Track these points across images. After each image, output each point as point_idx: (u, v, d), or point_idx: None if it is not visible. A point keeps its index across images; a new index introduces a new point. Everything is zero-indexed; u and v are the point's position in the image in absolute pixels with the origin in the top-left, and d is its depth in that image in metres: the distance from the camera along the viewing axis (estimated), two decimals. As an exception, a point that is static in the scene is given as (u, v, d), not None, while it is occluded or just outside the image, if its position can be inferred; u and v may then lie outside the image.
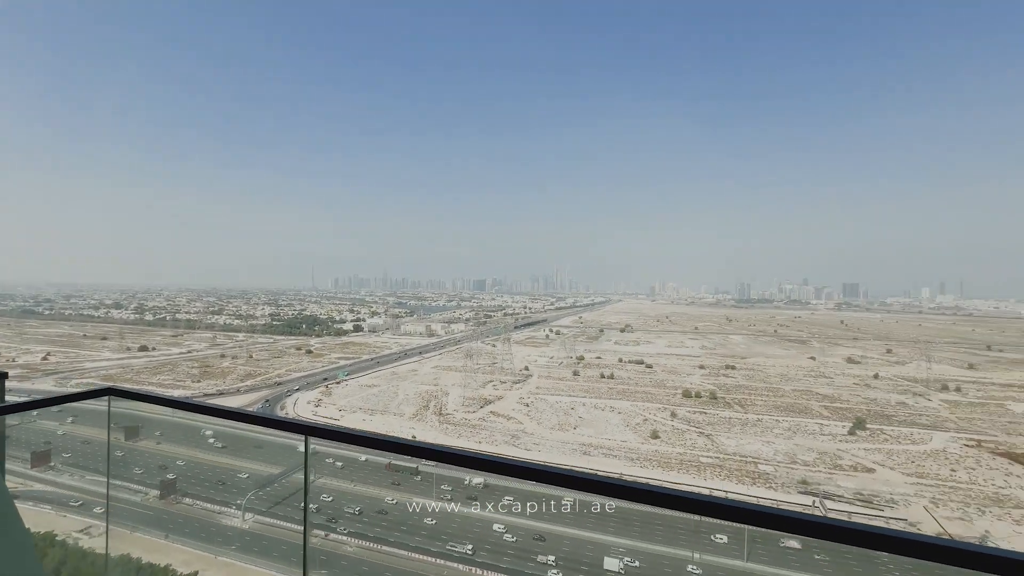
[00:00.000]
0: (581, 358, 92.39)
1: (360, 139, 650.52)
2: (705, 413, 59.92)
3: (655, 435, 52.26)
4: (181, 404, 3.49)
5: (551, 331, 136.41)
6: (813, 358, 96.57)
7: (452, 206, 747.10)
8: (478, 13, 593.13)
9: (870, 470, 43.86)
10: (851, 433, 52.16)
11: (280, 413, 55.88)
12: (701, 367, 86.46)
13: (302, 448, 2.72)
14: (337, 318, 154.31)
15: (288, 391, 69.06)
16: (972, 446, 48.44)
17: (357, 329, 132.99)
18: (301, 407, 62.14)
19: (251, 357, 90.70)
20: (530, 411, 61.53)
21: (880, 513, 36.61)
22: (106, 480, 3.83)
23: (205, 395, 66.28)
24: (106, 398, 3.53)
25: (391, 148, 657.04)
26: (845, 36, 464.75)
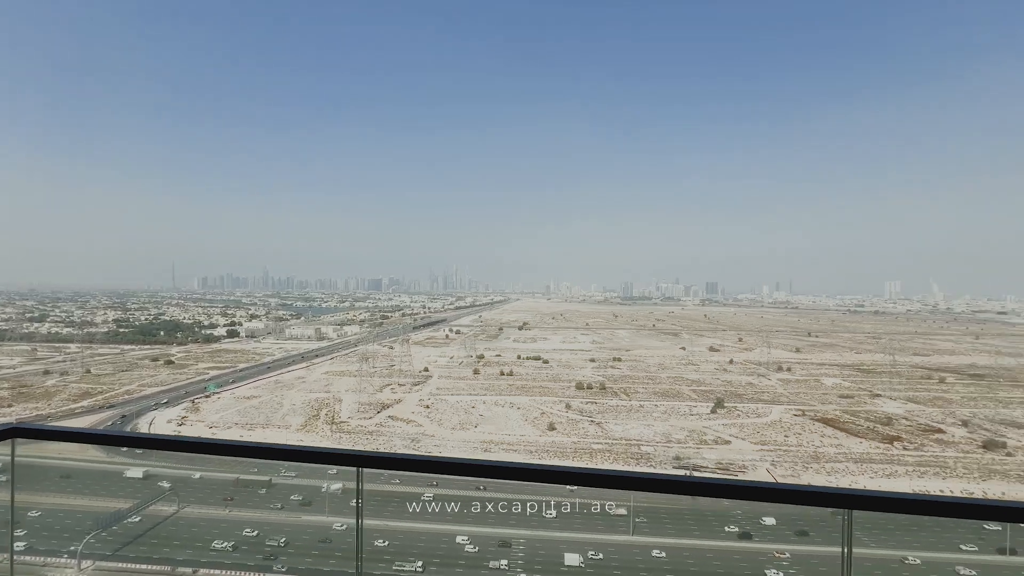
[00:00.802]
0: (481, 357, 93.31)
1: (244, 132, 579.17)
2: (596, 403, 64.45)
3: (552, 427, 54.82)
4: (135, 440, 2.73)
5: (451, 331, 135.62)
6: (684, 348, 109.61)
7: (347, 204, 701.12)
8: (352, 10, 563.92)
9: (727, 442, 51.07)
10: (713, 412, 60.18)
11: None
12: (592, 360, 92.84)
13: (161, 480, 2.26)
14: (206, 323, 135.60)
15: (140, 410, 58.84)
16: (799, 415, 59.10)
17: (232, 335, 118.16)
18: (159, 428, 53.40)
19: (88, 372, 75.51)
20: (430, 412, 60.45)
21: (735, 478, 42.96)
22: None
23: (19, 420, 53.36)
24: (7, 441, 2.59)
25: (280, 143, 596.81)
26: (716, 46, 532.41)
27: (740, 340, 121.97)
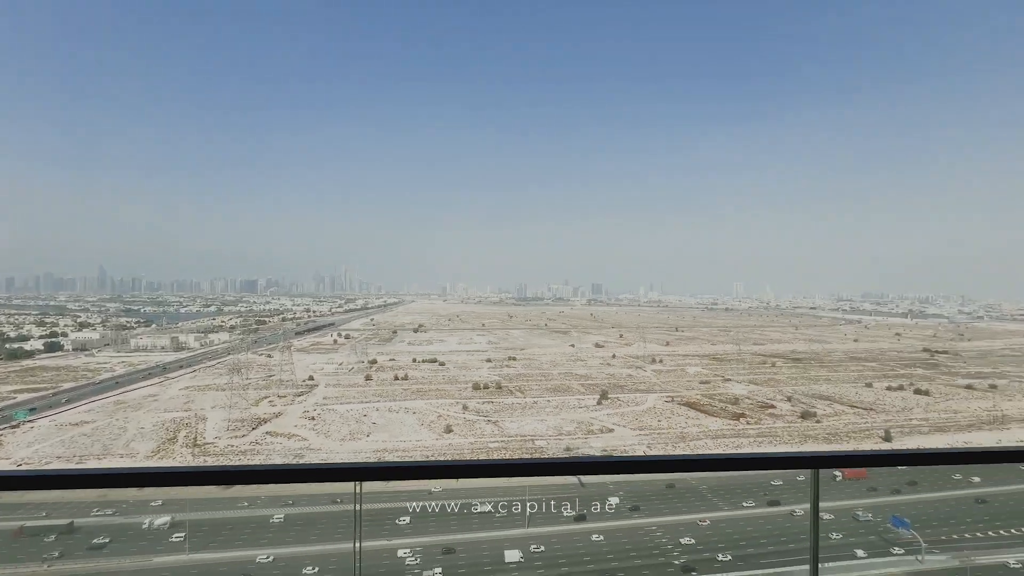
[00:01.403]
0: (374, 361, 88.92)
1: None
2: (492, 402, 65.45)
3: (449, 429, 54.31)
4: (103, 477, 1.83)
5: (340, 335, 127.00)
6: (573, 345, 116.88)
7: (219, 195, 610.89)
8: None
9: (611, 430, 55.60)
10: (598, 403, 65.05)
11: None
12: (488, 361, 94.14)
13: None
14: (12, 334, 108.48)
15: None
16: (669, 401, 66.72)
17: (53, 348, 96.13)
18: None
19: None
20: (317, 424, 55.81)
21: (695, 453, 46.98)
22: None
23: None
24: None
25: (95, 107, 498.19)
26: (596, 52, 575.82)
27: (621, 336, 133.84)
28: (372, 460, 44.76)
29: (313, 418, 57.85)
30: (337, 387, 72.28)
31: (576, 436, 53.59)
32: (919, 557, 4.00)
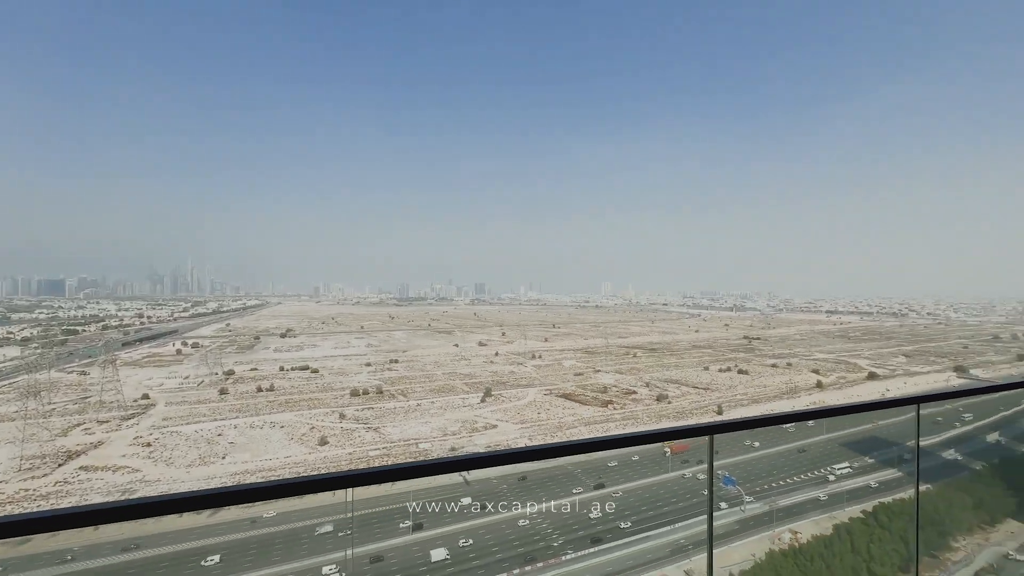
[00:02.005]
0: (231, 373, 78.03)
1: None
2: (372, 408, 62.22)
3: (324, 441, 50.15)
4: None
5: (185, 344, 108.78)
6: (457, 345, 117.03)
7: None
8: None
9: (495, 426, 56.96)
10: (483, 401, 66.15)
11: None
12: (368, 364, 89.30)
13: None
14: None
15: None
16: (547, 394, 70.76)
17: None
18: None
19: None
20: (154, 451, 46.94)
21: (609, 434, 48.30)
22: None
23: None
24: None
25: None
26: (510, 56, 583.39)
27: (503, 334, 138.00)
28: (231, 484, 39.17)
29: (149, 444, 48.55)
30: (182, 405, 61.79)
31: (460, 435, 53.73)
32: (742, 508, 4.88)
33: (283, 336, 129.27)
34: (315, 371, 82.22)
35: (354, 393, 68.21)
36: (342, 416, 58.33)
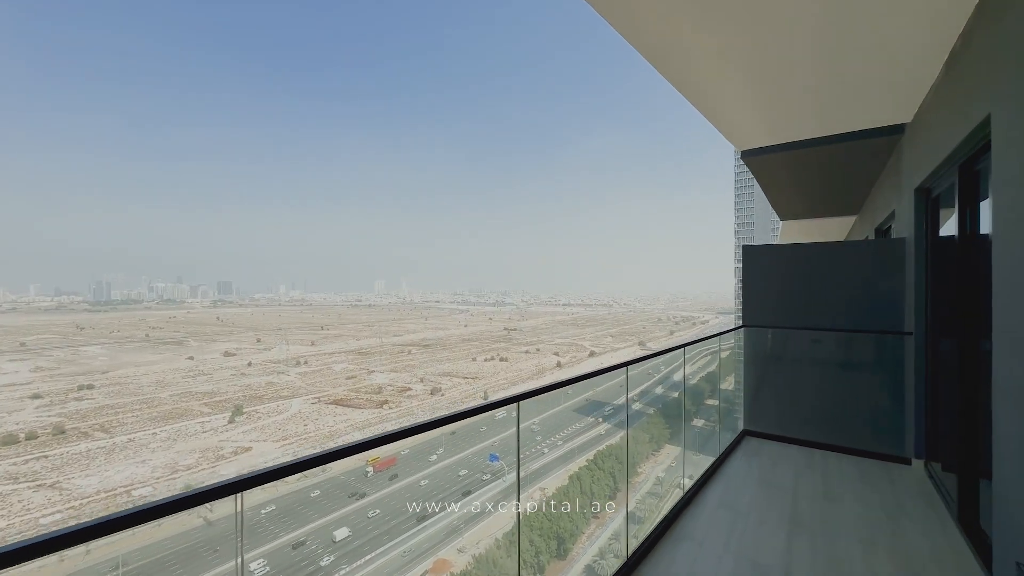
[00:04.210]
0: None
1: None
2: (47, 456, 44.36)
3: (-58, 522, 32.91)
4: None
5: None
6: (191, 358, 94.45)
7: None
8: None
9: (248, 449, 48.57)
10: (231, 421, 55.47)
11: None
12: (36, 397, 63.08)
13: None
14: None
15: None
16: (315, 402, 64.54)
17: None
18: None
19: None
20: None
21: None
22: None
23: None
24: None
25: None
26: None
27: (259, 341, 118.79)
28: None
29: None
30: None
31: (200, 468, 43.80)
32: (503, 479, 5.66)
33: None
34: (-80, 417, 52.99)
35: (7, 441, 47.13)
36: (-17, 477, 39.54)
